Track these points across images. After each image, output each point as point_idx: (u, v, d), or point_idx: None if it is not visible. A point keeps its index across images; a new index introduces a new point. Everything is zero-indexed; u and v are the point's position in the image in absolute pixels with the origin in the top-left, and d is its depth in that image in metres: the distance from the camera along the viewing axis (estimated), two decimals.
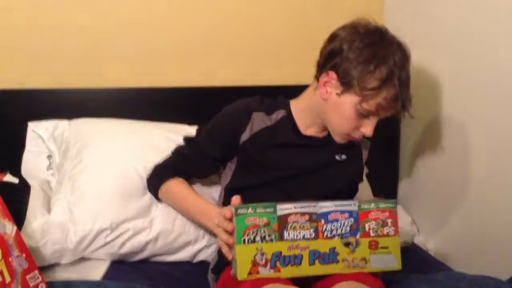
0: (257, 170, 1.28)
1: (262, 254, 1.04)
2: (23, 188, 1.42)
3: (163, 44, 1.70)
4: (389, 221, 1.10)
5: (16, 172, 1.50)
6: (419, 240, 1.66)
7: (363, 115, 1.21)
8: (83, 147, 1.47)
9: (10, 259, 1.13)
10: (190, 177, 1.38)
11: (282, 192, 1.24)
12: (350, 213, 1.08)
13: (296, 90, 1.36)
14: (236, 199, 1.11)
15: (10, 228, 1.19)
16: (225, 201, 1.30)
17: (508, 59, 1.34)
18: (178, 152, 1.37)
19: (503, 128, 1.38)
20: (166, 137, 1.48)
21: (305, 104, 1.30)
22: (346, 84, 1.20)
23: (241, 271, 1.04)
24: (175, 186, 1.34)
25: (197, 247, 1.43)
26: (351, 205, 1.08)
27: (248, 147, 1.28)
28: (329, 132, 1.30)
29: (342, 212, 1.07)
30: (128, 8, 1.67)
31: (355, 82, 1.18)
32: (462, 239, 1.55)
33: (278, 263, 1.04)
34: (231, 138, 1.29)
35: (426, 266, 1.45)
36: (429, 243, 1.66)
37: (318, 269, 1.06)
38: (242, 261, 1.03)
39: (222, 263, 1.22)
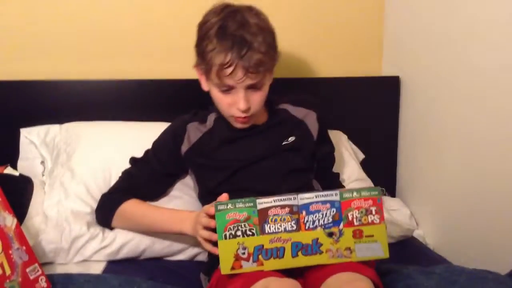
0: (211, 173, 1.32)
1: (244, 248, 1.04)
2: (24, 181, 1.45)
3: (159, 37, 1.71)
4: (373, 209, 1.07)
5: (13, 164, 1.53)
6: (417, 234, 1.64)
7: (224, 90, 1.23)
8: (72, 152, 1.49)
9: (10, 251, 1.16)
10: (142, 198, 1.36)
11: (241, 188, 1.24)
12: (332, 203, 1.06)
13: (295, 83, 1.37)
14: (223, 197, 1.12)
15: (10, 220, 1.21)
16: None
17: (508, 57, 1.32)
18: (126, 174, 1.38)
19: (502, 120, 1.36)
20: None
21: None
22: (203, 66, 1.25)
23: (224, 265, 1.05)
24: (131, 206, 1.33)
25: (196, 250, 1.43)
26: (332, 195, 1.06)
27: (191, 157, 1.33)
28: (269, 116, 1.34)
29: (324, 202, 1.06)
30: (121, 1, 1.68)
31: (200, 62, 1.25)
32: (461, 233, 1.53)
33: (260, 257, 1.05)
34: (173, 152, 1.35)
35: (425, 260, 1.43)
36: (428, 237, 1.64)
37: (302, 261, 1.06)
38: (225, 256, 1.05)
39: (213, 264, 1.23)
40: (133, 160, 1.39)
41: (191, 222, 1.20)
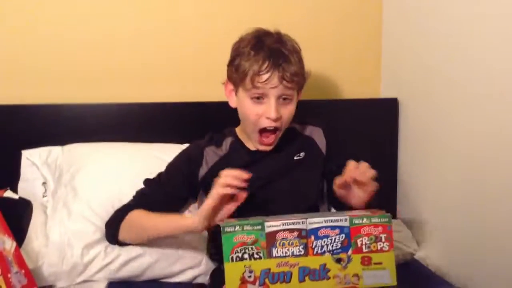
0: None
1: (251, 272, 1.03)
2: (23, 204, 1.43)
3: (159, 61, 1.73)
4: (382, 236, 1.07)
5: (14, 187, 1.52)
6: (419, 255, 1.63)
7: (256, 98, 1.26)
8: (75, 172, 1.48)
9: (9, 275, 1.14)
10: None
11: (255, 209, 1.22)
12: (341, 229, 1.05)
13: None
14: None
15: (9, 244, 1.20)
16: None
17: (506, 79, 1.33)
18: (139, 195, 1.37)
19: (502, 141, 1.36)
20: (158, 158, 1.49)
21: (240, 123, 1.38)
22: (233, 81, 1.30)
23: None
24: (136, 213, 1.30)
25: (196, 272, 1.42)
26: (342, 220, 1.06)
27: (209, 180, 1.31)
28: (280, 139, 1.34)
29: (333, 227, 1.05)
30: (122, 25, 1.70)
31: (234, 74, 1.28)
32: (463, 255, 1.53)
33: (267, 280, 1.03)
34: (190, 176, 1.35)
35: (426, 281, 1.43)
36: (429, 258, 1.63)
37: (309, 286, 1.05)
38: (231, 278, 1.03)
39: (215, 286, 1.23)
40: (146, 181, 1.38)
41: (197, 215, 1.18)
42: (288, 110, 1.29)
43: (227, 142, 1.38)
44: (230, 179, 1.12)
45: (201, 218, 1.17)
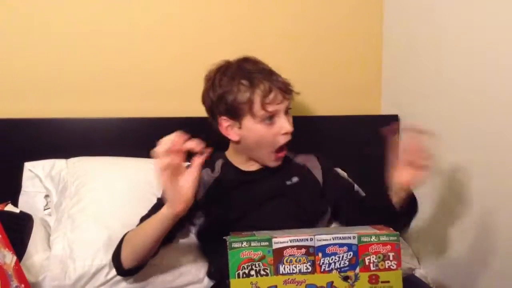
0: (221, 215, 1.33)
1: None
2: (24, 218, 1.42)
3: (159, 77, 1.75)
4: (391, 254, 1.06)
5: (15, 201, 1.51)
6: (419, 273, 1.62)
7: (268, 120, 1.30)
8: (81, 185, 1.48)
9: None
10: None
11: (244, 230, 1.20)
12: (349, 246, 1.05)
13: (295, 121, 1.39)
14: None
15: (10, 258, 1.19)
16: (205, 246, 1.38)
17: (507, 94, 1.34)
18: (140, 220, 1.32)
19: (503, 157, 1.38)
20: None
21: (233, 149, 1.41)
22: (235, 114, 1.31)
23: None
24: (129, 232, 1.25)
25: (198, 287, 1.41)
26: (350, 238, 1.05)
27: (205, 203, 1.33)
28: None
29: (341, 245, 1.05)
30: (125, 41, 1.72)
31: (231, 109, 1.30)
32: (464, 272, 1.53)
33: None
34: None
35: None
36: (430, 275, 1.62)
37: None
38: None
39: None
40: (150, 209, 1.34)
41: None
42: (291, 121, 1.34)
43: (218, 165, 1.40)
44: (161, 147, 1.08)
45: (167, 198, 1.12)
